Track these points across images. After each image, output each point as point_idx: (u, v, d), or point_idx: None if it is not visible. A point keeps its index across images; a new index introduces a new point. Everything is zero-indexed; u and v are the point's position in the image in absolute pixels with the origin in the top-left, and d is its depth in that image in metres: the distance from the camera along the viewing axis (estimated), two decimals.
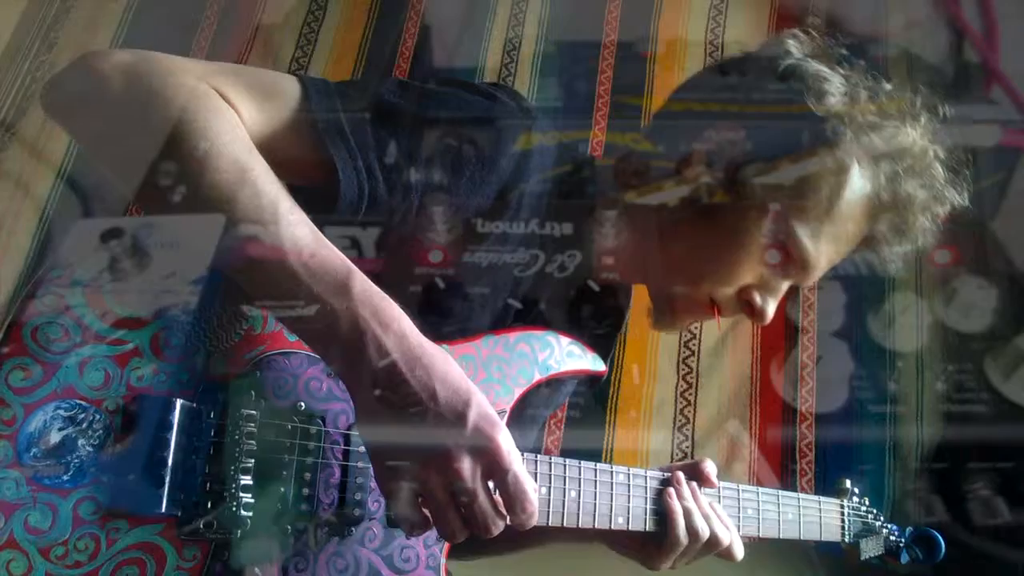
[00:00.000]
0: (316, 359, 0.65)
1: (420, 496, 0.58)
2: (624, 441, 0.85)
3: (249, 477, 0.60)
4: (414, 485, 0.58)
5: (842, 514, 0.91)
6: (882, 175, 0.71)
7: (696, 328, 1.38)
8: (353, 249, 0.69)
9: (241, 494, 0.59)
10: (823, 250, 0.72)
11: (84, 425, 0.57)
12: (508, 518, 0.59)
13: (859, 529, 0.91)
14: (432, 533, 0.60)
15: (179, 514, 0.57)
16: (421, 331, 0.61)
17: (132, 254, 0.62)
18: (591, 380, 0.86)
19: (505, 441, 0.58)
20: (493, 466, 0.57)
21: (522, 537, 0.83)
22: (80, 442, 0.56)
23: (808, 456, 1.29)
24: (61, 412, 0.56)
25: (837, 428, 1.29)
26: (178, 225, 0.61)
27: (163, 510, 0.56)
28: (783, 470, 1.30)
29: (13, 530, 0.54)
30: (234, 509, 0.59)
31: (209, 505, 0.58)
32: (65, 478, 0.55)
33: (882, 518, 0.93)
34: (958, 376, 1.25)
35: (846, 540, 0.90)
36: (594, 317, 0.89)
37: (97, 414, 0.57)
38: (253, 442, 0.61)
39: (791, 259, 0.72)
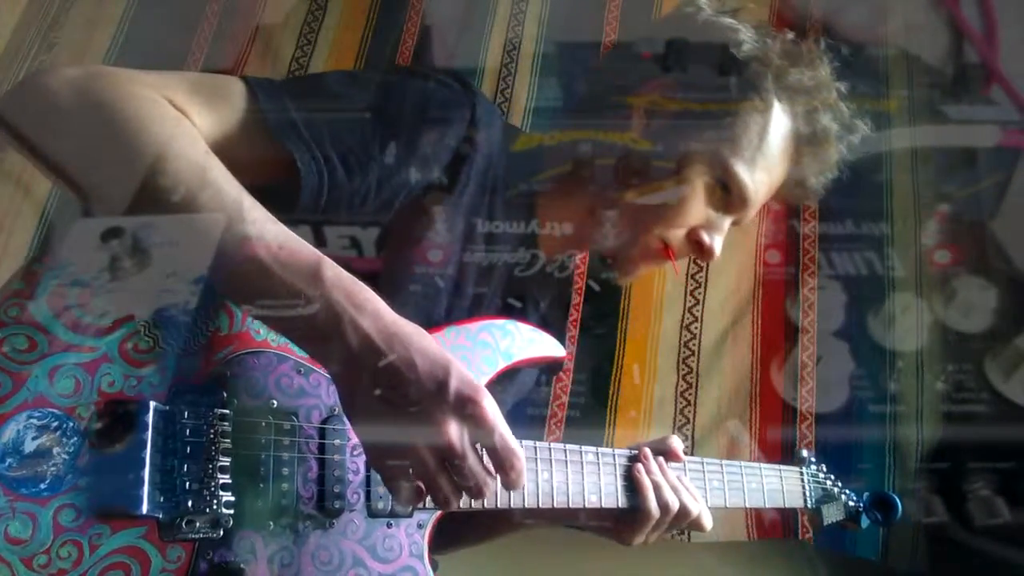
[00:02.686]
0: (285, 357, 0.66)
1: (411, 467, 0.59)
2: (624, 441, 0.86)
3: (227, 476, 0.61)
4: (404, 458, 0.59)
5: (802, 481, 0.95)
6: (800, 111, 0.81)
7: (696, 328, 1.38)
8: (353, 248, 0.69)
9: (221, 492, 0.60)
10: (759, 183, 0.80)
11: (58, 433, 0.57)
12: (499, 477, 0.61)
13: (820, 495, 0.96)
14: (412, 521, 0.63)
15: (160, 516, 0.57)
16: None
17: (132, 254, 0.63)
18: (551, 368, 0.88)
19: (488, 403, 0.59)
20: (479, 427, 0.59)
21: (496, 522, 0.85)
22: (55, 450, 0.56)
23: None
24: (34, 421, 0.56)
25: (837, 428, 1.30)
26: (174, 225, 0.61)
27: (144, 511, 0.56)
28: None
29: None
30: (215, 508, 0.59)
31: (190, 505, 0.58)
32: (43, 486, 0.55)
33: (839, 484, 0.98)
34: (958, 376, 1.26)
35: (808, 506, 0.94)
36: (594, 317, 0.90)
37: (70, 421, 0.57)
38: (228, 441, 0.61)
39: (731, 195, 0.79)
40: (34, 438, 0.56)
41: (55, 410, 0.57)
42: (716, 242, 0.81)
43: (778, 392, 1.33)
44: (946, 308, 0.99)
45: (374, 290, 0.60)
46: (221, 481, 0.60)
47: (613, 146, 0.83)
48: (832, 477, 0.98)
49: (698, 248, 0.81)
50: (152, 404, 0.59)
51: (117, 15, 1.50)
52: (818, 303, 1.35)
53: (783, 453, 1.31)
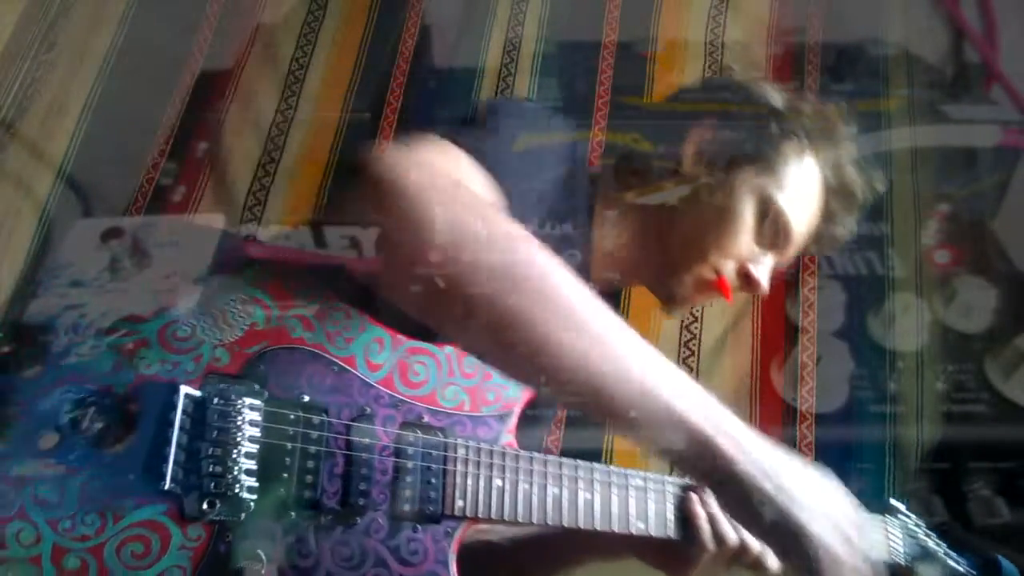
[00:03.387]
0: (319, 355, 0.67)
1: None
2: (624, 441, 0.86)
3: (253, 462, 0.62)
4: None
5: (889, 532, 0.88)
6: (828, 161, 0.87)
7: (696, 328, 1.38)
8: (353, 249, 0.69)
9: (244, 478, 0.61)
10: (799, 221, 0.85)
11: (93, 408, 0.60)
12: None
13: (915, 552, 0.88)
14: (440, 528, 0.65)
15: (182, 495, 0.59)
16: (422, 334, 0.65)
17: (132, 254, 0.64)
18: None
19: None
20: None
21: (558, 556, 0.84)
22: (88, 424, 0.59)
23: (808, 456, 1.29)
24: (71, 395, 0.60)
25: (837, 428, 1.29)
26: (174, 226, 0.62)
27: (165, 487, 0.58)
28: None
29: (24, 503, 0.57)
30: (237, 492, 0.60)
31: (212, 487, 0.60)
32: (74, 456, 0.59)
33: (942, 543, 0.91)
34: (958, 376, 1.25)
35: (902, 563, 0.87)
36: None
37: (105, 398, 0.60)
38: (257, 430, 0.63)
39: (776, 230, 0.84)
40: (69, 411, 0.60)
41: (92, 387, 0.61)
42: (764, 278, 0.86)
43: (778, 392, 1.33)
44: (946, 308, 0.99)
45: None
46: (245, 467, 0.61)
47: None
48: (933, 534, 0.90)
49: (746, 280, 0.85)
50: (184, 388, 0.61)
51: (117, 15, 1.50)
52: (818, 303, 1.35)
53: None
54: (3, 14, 1.47)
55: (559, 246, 0.78)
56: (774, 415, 1.32)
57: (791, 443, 1.30)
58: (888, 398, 1.29)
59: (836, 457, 1.30)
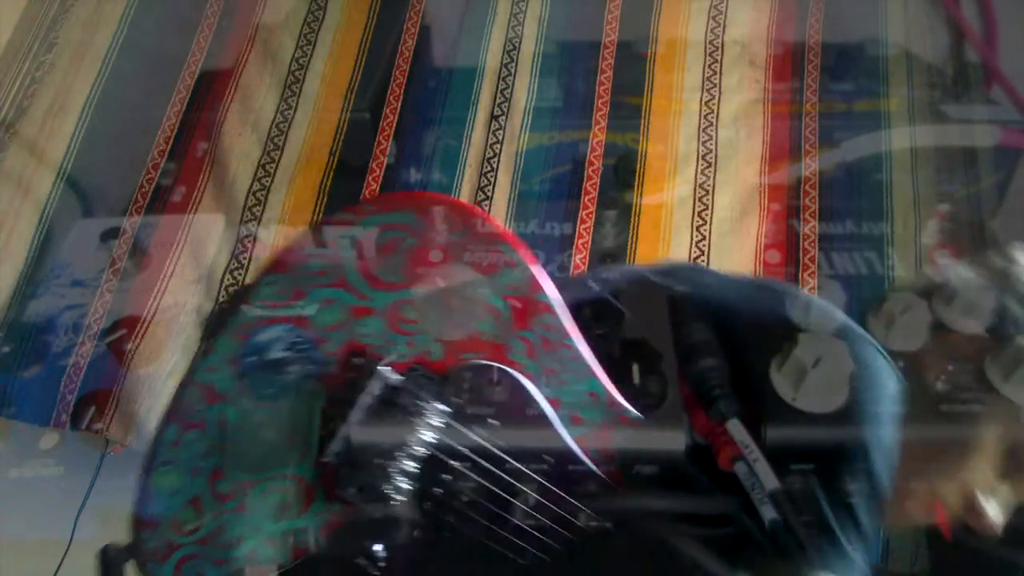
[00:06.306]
0: (521, 386, 0.64)
1: None
2: None
3: (414, 466, 0.61)
4: None
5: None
6: None
7: None
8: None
9: (399, 478, 0.61)
10: None
11: (302, 354, 0.62)
12: None
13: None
14: None
15: (341, 469, 0.60)
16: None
17: (133, 254, 0.65)
18: None
19: None
20: None
21: None
22: (292, 367, 0.61)
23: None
24: (288, 336, 0.62)
25: (837, 428, 1.29)
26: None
27: (329, 456, 0.59)
28: None
29: (207, 417, 0.60)
30: (385, 489, 0.60)
31: (368, 475, 0.60)
32: (267, 392, 0.61)
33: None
34: (958, 376, 1.25)
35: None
36: (594, 317, 0.90)
37: (316, 351, 0.62)
38: (432, 436, 0.62)
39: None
40: (282, 350, 0.61)
41: (311, 335, 0.62)
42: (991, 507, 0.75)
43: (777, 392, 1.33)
44: (946, 308, 0.99)
45: None
46: (404, 468, 0.61)
47: None
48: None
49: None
50: (385, 371, 0.60)
51: (117, 15, 1.50)
52: None
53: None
54: (3, 14, 1.47)
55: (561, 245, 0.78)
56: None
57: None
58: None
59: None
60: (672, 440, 0.69)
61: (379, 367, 0.61)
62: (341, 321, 0.62)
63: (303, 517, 0.60)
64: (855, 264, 1.32)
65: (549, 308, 0.66)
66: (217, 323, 0.62)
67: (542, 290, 0.66)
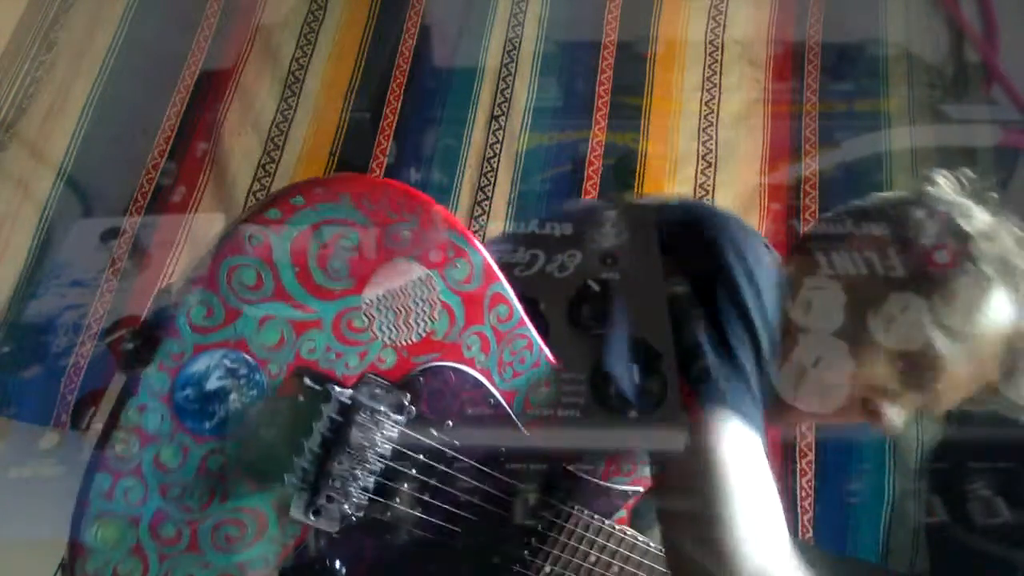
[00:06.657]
0: (480, 384, 0.64)
1: None
2: None
3: (372, 480, 0.60)
4: None
5: None
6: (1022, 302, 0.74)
7: None
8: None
9: (357, 493, 0.59)
10: (958, 362, 0.74)
11: (242, 381, 0.57)
12: None
13: None
14: None
15: (293, 493, 0.58)
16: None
17: (132, 254, 0.63)
18: None
19: None
20: None
21: None
22: (232, 396, 0.56)
23: (808, 456, 1.29)
24: (226, 362, 0.56)
25: (837, 428, 1.29)
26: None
27: (284, 483, 0.57)
28: (783, 470, 1.30)
29: (143, 460, 0.55)
30: (344, 505, 0.59)
31: (324, 496, 0.58)
32: (207, 426, 0.56)
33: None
34: None
35: None
36: (594, 317, 0.90)
37: (258, 374, 0.57)
38: (388, 448, 0.60)
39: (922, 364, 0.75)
40: (219, 378, 0.56)
41: (250, 358, 0.56)
42: (893, 414, 0.78)
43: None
44: (946, 308, 0.99)
45: None
46: (363, 483, 0.59)
47: None
48: None
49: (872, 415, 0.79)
50: (335, 390, 0.58)
51: (117, 15, 1.50)
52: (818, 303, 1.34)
53: (783, 454, 1.31)
54: (3, 14, 1.47)
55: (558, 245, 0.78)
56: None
57: (791, 443, 1.30)
58: None
59: (836, 457, 1.30)
60: (672, 440, 0.69)
61: (334, 389, 0.57)
62: (283, 339, 0.57)
63: (258, 545, 0.57)
64: (855, 264, 1.31)
65: (503, 298, 0.64)
66: (137, 355, 0.56)
67: (497, 279, 0.63)
